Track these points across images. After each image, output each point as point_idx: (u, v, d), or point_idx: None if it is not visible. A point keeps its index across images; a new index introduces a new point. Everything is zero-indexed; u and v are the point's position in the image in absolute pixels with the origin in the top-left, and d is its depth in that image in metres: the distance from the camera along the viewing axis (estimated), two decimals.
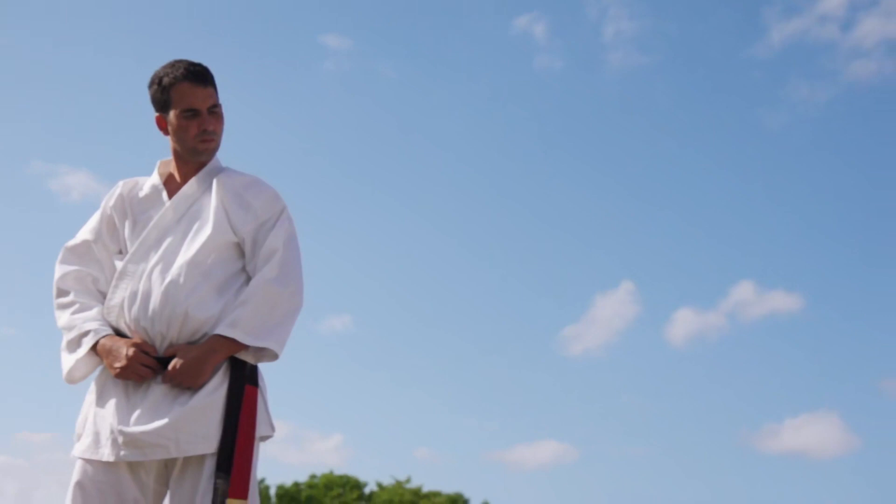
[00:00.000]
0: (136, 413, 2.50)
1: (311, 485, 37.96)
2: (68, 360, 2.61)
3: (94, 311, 2.64)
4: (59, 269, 2.73)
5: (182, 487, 2.50)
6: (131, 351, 2.52)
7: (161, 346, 2.56)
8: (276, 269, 2.60)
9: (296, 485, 38.14)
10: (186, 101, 2.63)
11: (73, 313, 2.64)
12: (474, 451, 44.36)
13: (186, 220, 2.67)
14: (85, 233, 2.78)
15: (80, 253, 2.75)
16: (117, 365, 2.52)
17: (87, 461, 2.53)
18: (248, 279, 2.66)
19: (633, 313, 40.92)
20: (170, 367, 2.50)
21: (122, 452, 2.48)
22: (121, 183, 2.81)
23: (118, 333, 2.61)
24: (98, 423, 2.55)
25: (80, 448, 2.55)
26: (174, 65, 2.66)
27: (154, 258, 2.61)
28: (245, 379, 2.56)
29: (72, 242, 2.77)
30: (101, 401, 2.58)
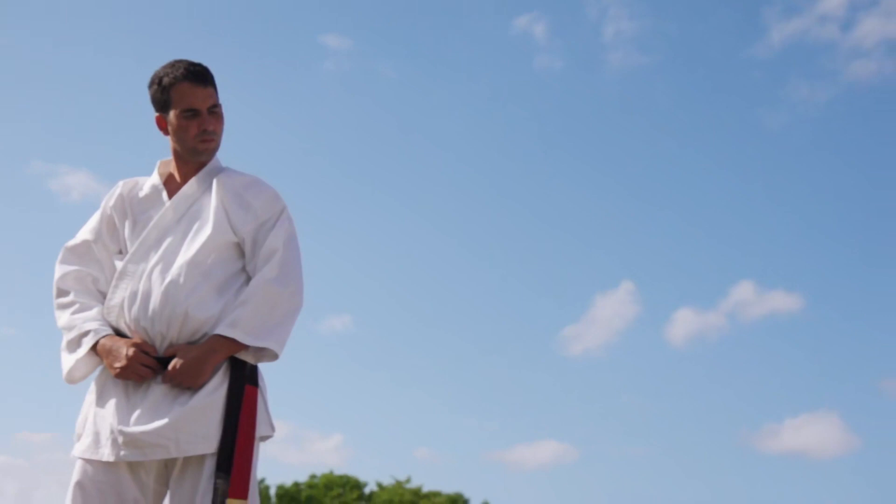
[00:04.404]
0: (136, 413, 2.50)
1: (311, 485, 37.96)
2: (68, 360, 2.61)
3: (94, 311, 2.64)
4: (59, 269, 2.73)
5: (182, 487, 2.50)
6: (131, 351, 2.52)
7: (161, 346, 2.56)
8: (276, 269, 2.60)
9: (296, 485, 38.14)
10: (186, 101, 2.63)
11: (73, 313, 2.64)
12: (474, 451, 44.41)
13: (186, 220, 2.67)
14: (85, 233, 2.78)
15: (80, 253, 2.75)
16: (117, 365, 2.53)
17: (87, 461, 2.53)
18: (248, 279, 2.66)
19: (633, 313, 40.95)
20: (170, 367, 2.50)
21: (122, 452, 2.48)
22: (121, 183, 2.81)
23: (118, 333, 2.61)
24: (98, 423, 2.55)
25: (80, 448, 2.55)
26: (174, 65, 2.66)
27: (154, 258, 2.61)
28: (245, 379, 2.56)
29: (72, 242, 2.77)
30: (101, 401, 2.58)
